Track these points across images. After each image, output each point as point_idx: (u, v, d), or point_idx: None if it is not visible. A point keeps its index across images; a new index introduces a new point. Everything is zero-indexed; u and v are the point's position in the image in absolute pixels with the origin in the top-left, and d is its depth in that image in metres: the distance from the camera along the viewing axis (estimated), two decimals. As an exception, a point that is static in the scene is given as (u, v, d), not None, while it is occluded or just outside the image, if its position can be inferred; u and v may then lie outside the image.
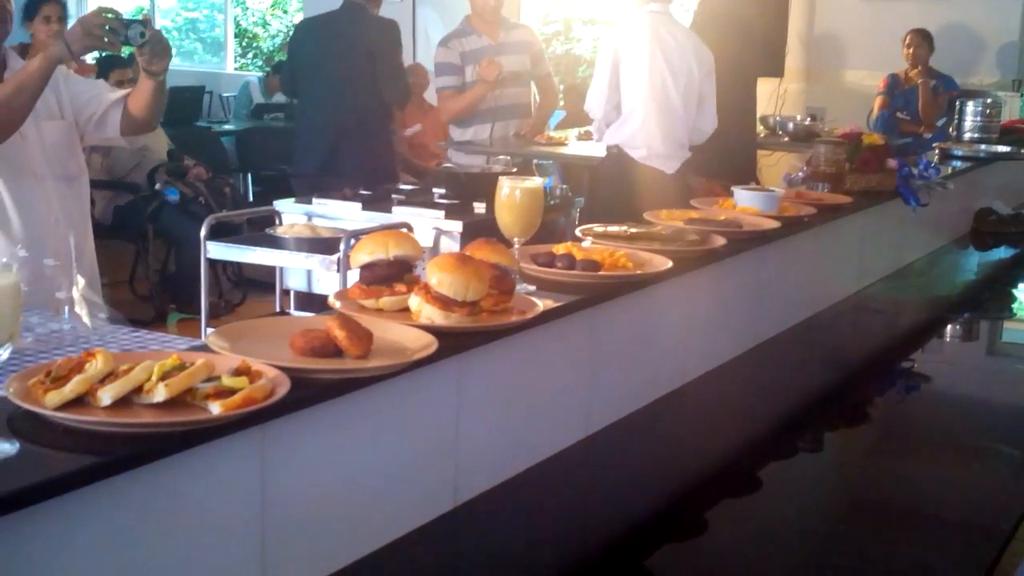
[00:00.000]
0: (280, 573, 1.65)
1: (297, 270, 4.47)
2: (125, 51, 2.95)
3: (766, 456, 2.64)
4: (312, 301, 4.60)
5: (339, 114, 5.48)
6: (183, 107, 8.56)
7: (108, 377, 1.50)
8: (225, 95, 10.50)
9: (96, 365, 1.51)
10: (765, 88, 7.68)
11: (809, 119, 6.87)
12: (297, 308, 4.66)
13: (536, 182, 2.26)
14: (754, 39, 5.64)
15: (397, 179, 5.23)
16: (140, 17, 2.75)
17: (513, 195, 2.23)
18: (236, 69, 12.21)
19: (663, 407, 2.58)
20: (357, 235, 3.95)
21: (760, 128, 7.04)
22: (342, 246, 4.02)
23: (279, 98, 9.58)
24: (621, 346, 2.45)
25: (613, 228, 2.62)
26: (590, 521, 2.27)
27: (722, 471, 2.58)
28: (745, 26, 5.53)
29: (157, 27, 2.84)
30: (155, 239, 6.35)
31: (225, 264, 6.12)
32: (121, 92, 3.05)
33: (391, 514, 1.85)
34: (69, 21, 5.18)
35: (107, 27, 2.64)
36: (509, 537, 2.06)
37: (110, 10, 2.69)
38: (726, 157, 5.09)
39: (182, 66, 12.02)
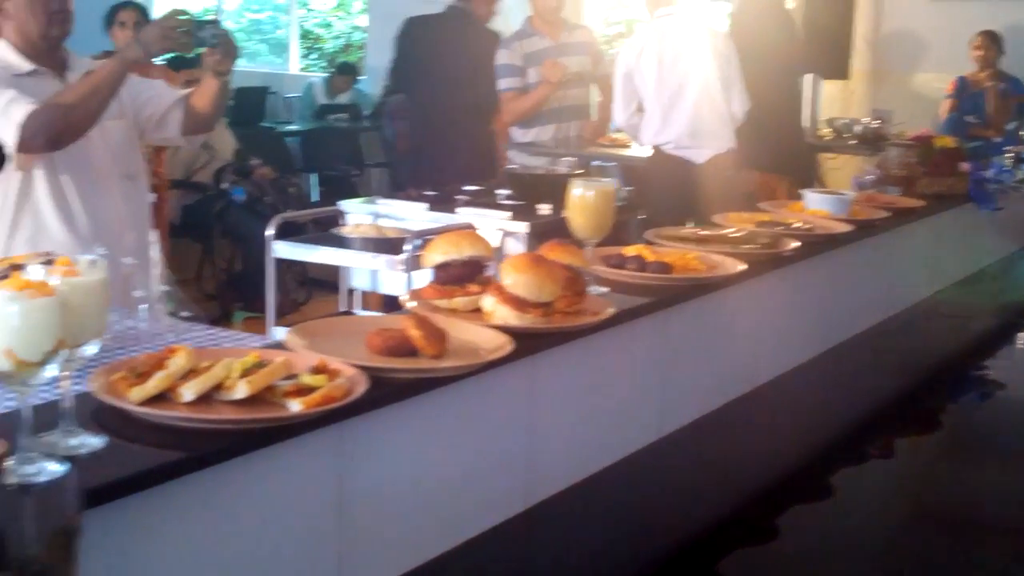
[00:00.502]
0: (355, 570, 1.66)
1: (362, 270, 4.49)
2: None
3: (837, 462, 2.62)
4: (377, 301, 4.62)
5: (448, 116, 5.60)
6: (247, 108, 8.64)
7: (189, 373, 1.52)
8: (288, 96, 10.59)
9: (178, 362, 1.52)
10: (830, 90, 7.60)
11: (876, 122, 6.78)
12: (362, 308, 4.69)
13: (608, 183, 2.26)
14: (792, 28, 5.65)
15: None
16: (211, 18, 2.78)
17: (586, 196, 2.22)
18: (300, 70, 12.31)
19: (734, 411, 2.56)
20: (423, 236, 3.96)
21: (826, 130, 6.97)
22: (407, 246, 4.03)
23: (342, 99, 9.65)
24: (692, 349, 2.44)
25: (684, 230, 2.61)
26: (661, 524, 2.26)
27: (793, 476, 2.56)
28: (783, 16, 5.53)
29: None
30: (221, 238, 6.41)
31: (290, 263, 6.16)
32: (182, 92, 3.08)
33: (464, 514, 1.85)
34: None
35: (182, 29, 2.68)
36: (580, 539, 2.05)
37: (184, 11, 2.73)
38: (776, 150, 5.10)
39: (246, 67, 12.13)
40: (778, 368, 2.78)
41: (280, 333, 3.93)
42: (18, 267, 2.02)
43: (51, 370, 1.29)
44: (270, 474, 1.51)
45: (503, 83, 5.66)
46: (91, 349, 1.40)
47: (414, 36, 5.82)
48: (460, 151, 5.56)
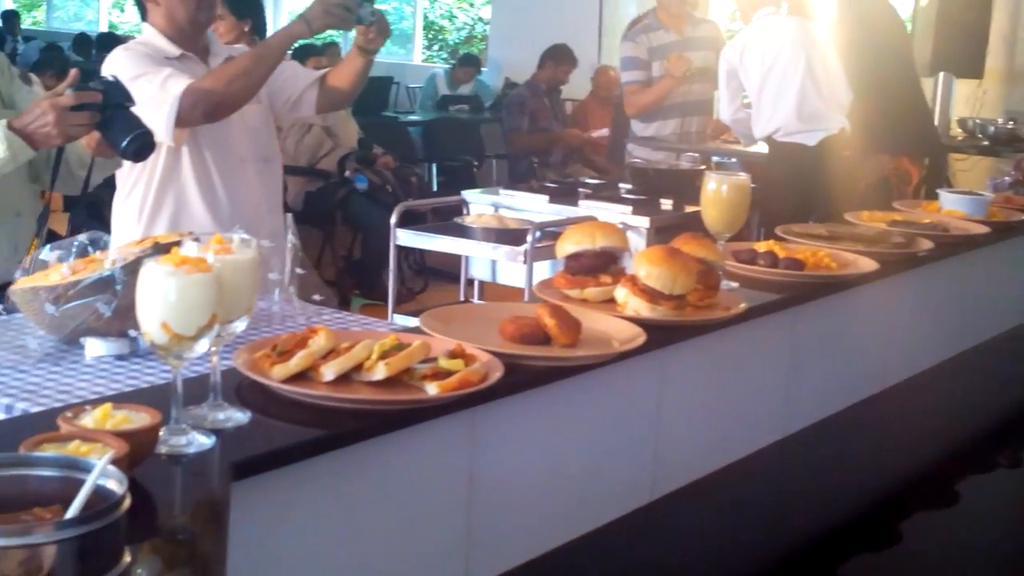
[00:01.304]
0: (484, 553, 1.68)
1: (482, 260, 4.52)
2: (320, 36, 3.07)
3: (964, 469, 2.55)
4: (494, 291, 4.65)
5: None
6: (371, 97, 8.74)
7: (330, 354, 1.55)
8: (411, 86, 10.71)
9: (319, 341, 1.56)
10: (963, 90, 7.40)
11: (1010, 123, 6.59)
12: (480, 298, 4.72)
13: (743, 178, 2.24)
14: (897, 19, 5.58)
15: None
16: None
17: (720, 190, 2.21)
18: (423, 61, 12.45)
19: (861, 412, 2.52)
20: (544, 227, 3.98)
21: (958, 131, 6.80)
22: (529, 238, 4.05)
23: (464, 90, 9.72)
24: (822, 347, 2.41)
25: (815, 227, 2.58)
26: (783, 524, 2.24)
27: (919, 481, 2.51)
28: (886, 8, 5.46)
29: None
30: (342, 225, 6.51)
31: (407, 252, 6.23)
32: (317, 72, 3.14)
33: (591, 504, 1.86)
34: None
35: (343, 5, 2.75)
36: (703, 534, 2.04)
37: None
38: (905, 132, 5.04)
39: (370, 57, 12.28)
40: (908, 370, 2.73)
41: (400, 320, 3.99)
42: (161, 246, 2.09)
43: (203, 345, 1.33)
44: (405, 455, 1.53)
45: (626, 76, 5.65)
46: (240, 325, 1.44)
47: None
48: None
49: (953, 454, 2.57)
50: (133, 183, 2.93)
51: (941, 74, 6.59)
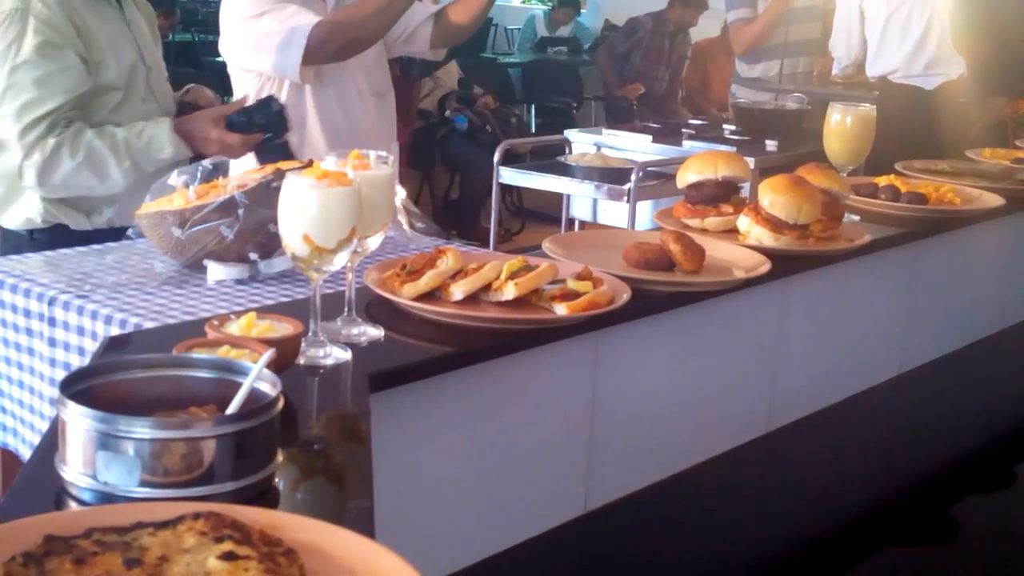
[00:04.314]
0: (604, 475, 1.69)
1: (583, 199, 4.51)
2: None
3: (1084, 412, 2.50)
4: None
5: None
6: (471, 38, 8.68)
7: (458, 274, 1.56)
8: (510, 27, 10.65)
9: (448, 261, 1.57)
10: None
11: None
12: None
13: (868, 109, 2.20)
14: None
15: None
16: None
17: (844, 121, 2.17)
18: (522, 2, 12.35)
19: (980, 351, 2.48)
20: (648, 167, 3.95)
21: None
22: (633, 177, 4.02)
23: (563, 32, 9.64)
24: (942, 283, 2.37)
25: (937, 162, 2.53)
26: (897, 460, 2.22)
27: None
28: None
29: None
30: (440, 165, 6.53)
31: (506, 193, 6.24)
32: (432, 8, 3.13)
33: (708, 432, 1.86)
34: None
35: None
36: (818, 467, 2.03)
37: None
38: (1020, 74, 4.90)
39: (467, -1, 12.20)
40: (1028, 311, 2.68)
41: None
42: (283, 173, 2.12)
43: (342, 258, 1.34)
44: (532, 374, 1.55)
45: (733, 14, 5.57)
46: (376, 241, 1.46)
47: None
48: None
49: (1072, 397, 2.51)
50: None
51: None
